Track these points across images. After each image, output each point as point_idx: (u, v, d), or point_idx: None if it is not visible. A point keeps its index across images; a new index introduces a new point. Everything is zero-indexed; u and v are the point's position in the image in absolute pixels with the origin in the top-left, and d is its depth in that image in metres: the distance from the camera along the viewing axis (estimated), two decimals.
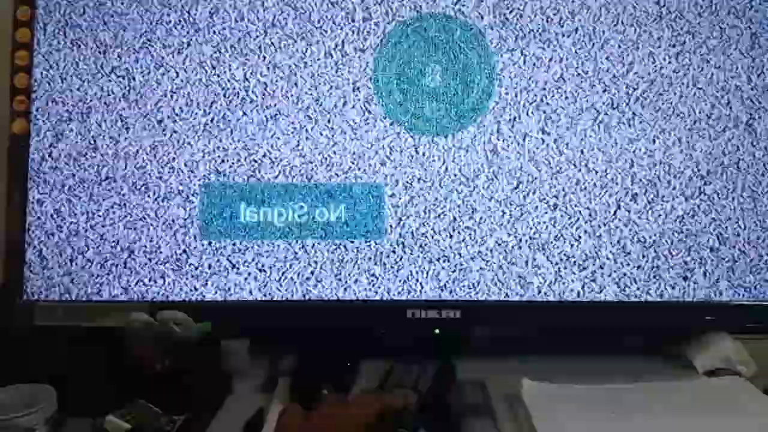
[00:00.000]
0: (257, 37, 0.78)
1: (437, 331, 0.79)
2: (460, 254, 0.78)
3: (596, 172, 0.79)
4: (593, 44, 0.79)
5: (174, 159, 0.77)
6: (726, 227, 0.79)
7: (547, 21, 0.79)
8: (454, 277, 0.78)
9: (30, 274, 0.77)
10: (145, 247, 0.77)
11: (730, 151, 0.79)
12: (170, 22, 0.78)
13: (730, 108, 0.79)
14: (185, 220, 0.77)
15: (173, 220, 0.77)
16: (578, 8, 0.79)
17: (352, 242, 0.78)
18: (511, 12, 0.79)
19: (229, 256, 0.77)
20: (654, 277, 0.79)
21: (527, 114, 0.79)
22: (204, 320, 0.74)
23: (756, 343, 0.82)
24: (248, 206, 0.77)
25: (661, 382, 0.74)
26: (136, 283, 0.77)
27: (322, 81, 0.78)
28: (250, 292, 0.78)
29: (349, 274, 0.78)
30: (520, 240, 0.79)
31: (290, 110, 0.78)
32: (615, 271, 0.79)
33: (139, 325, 0.72)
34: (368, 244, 0.78)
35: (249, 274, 0.78)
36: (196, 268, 0.77)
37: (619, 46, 0.79)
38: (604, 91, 0.79)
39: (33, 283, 0.77)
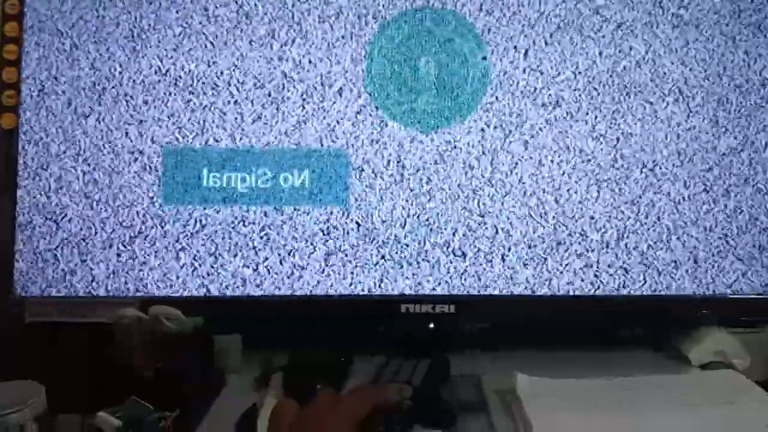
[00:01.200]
0: (250, 22, 0.78)
1: (431, 325, 0.79)
2: (452, 247, 0.78)
3: (590, 163, 0.79)
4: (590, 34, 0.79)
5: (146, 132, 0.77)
6: (720, 222, 0.79)
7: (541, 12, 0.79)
8: (447, 270, 0.78)
9: (20, 270, 0.76)
10: (136, 241, 0.76)
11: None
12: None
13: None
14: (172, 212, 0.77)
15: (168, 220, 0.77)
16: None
17: (340, 237, 0.77)
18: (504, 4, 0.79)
19: (218, 249, 0.77)
20: (648, 269, 0.79)
21: (523, 106, 0.78)
22: (196, 315, 0.74)
23: (750, 336, 0.82)
24: (210, 171, 0.76)
25: (655, 376, 0.74)
26: (127, 278, 0.76)
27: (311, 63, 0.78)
28: (242, 286, 0.77)
29: (342, 271, 0.78)
30: (516, 233, 0.78)
31: (275, 94, 0.78)
32: (610, 265, 0.79)
33: (130, 321, 0.72)
34: (355, 239, 0.77)
35: (239, 267, 0.77)
36: (187, 263, 0.77)
37: (617, 35, 0.79)
38: (602, 84, 0.79)
39: (23, 280, 0.76)
